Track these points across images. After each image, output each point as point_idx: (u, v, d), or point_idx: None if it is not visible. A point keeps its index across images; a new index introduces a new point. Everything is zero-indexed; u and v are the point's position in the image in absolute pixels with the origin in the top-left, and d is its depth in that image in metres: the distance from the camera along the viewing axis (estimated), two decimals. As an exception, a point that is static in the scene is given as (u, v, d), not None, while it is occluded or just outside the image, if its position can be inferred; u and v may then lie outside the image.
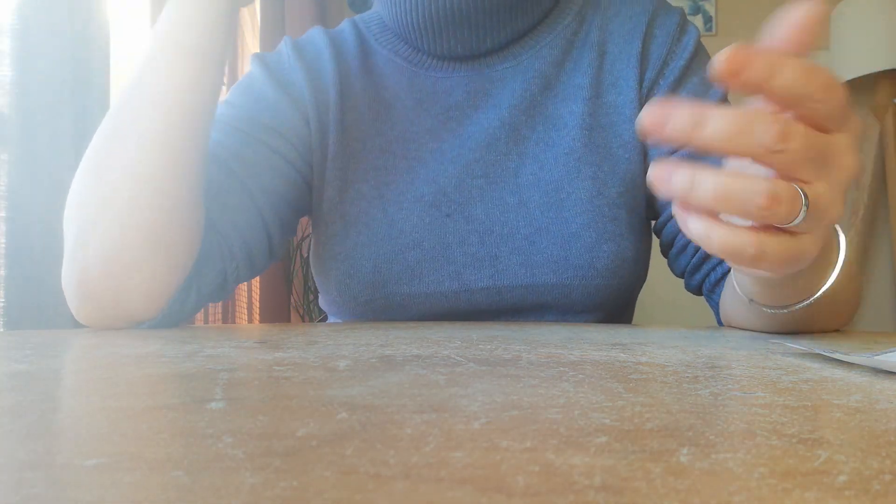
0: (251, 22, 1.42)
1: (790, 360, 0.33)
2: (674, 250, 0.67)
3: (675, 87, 0.66)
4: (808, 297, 0.41)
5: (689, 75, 0.67)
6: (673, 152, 0.65)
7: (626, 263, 0.63)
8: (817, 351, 0.33)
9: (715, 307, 0.66)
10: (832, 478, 0.14)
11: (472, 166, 0.66)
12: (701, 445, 0.17)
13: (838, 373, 0.29)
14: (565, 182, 0.64)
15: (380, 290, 0.64)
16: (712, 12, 2.56)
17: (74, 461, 0.16)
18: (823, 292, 0.40)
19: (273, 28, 1.44)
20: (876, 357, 0.29)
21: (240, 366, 0.32)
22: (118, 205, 0.51)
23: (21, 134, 0.76)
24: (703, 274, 0.65)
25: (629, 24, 0.68)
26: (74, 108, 0.81)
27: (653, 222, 0.70)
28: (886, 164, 2.22)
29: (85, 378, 0.28)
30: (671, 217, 0.66)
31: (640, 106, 0.66)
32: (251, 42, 1.41)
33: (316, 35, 0.73)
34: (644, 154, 0.67)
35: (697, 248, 0.64)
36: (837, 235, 0.41)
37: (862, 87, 2.27)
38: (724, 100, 0.67)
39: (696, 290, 0.68)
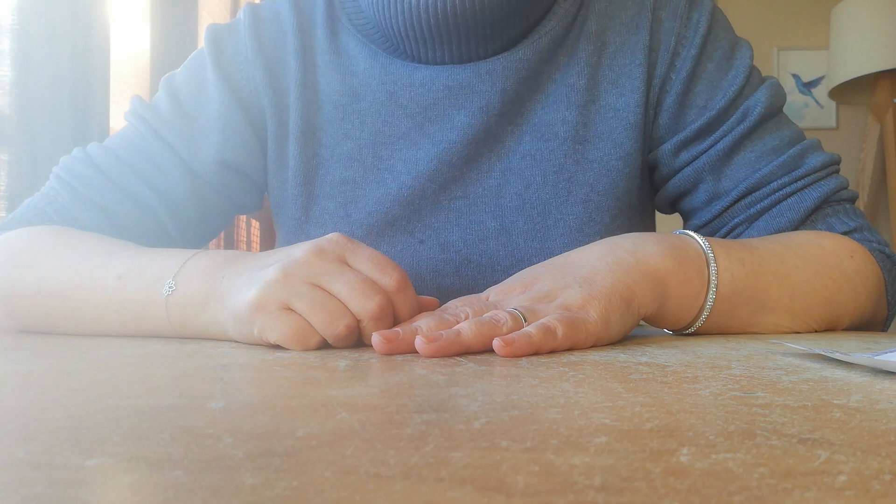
0: None
1: (790, 360, 0.33)
2: (693, 214, 0.61)
3: (690, 82, 0.58)
4: (693, 324, 0.46)
5: (704, 62, 0.58)
6: (689, 163, 0.59)
7: None
8: (817, 351, 0.33)
9: None
10: (832, 478, 0.14)
11: (451, 185, 0.59)
12: (701, 445, 0.17)
13: (838, 373, 0.29)
14: (553, 206, 0.58)
15: None
16: (712, 12, 2.55)
17: (74, 461, 0.16)
18: (706, 317, 0.45)
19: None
20: (876, 357, 0.29)
21: (240, 366, 0.32)
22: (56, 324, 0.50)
23: (21, 134, 0.76)
24: (727, 228, 0.59)
25: (632, 8, 0.59)
26: (74, 108, 0.81)
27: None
28: (886, 164, 2.22)
29: (85, 378, 0.28)
30: (699, 229, 0.60)
31: (650, 109, 0.59)
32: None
33: (281, 6, 0.63)
34: (644, 157, 0.60)
35: (723, 210, 0.58)
36: (708, 266, 0.45)
37: (862, 87, 2.27)
38: (743, 85, 0.58)
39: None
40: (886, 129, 2.20)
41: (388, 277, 0.39)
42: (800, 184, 0.56)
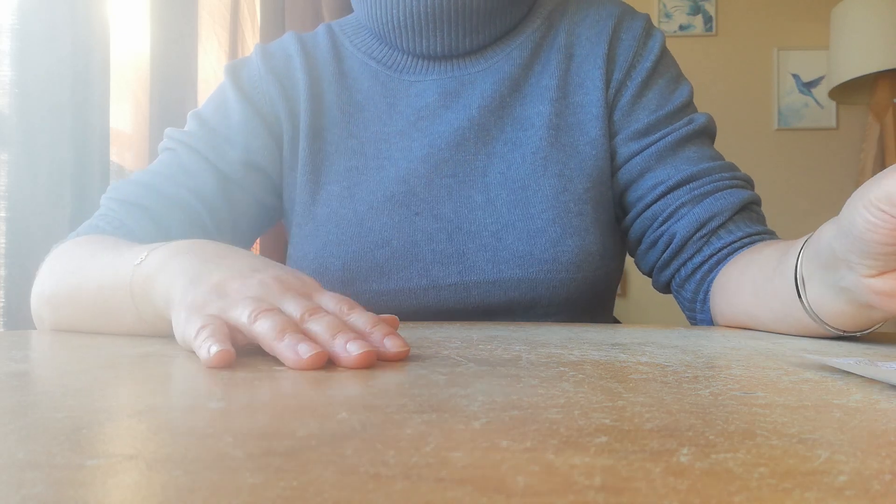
0: (251, 20, 1.42)
1: (790, 360, 0.33)
2: (642, 247, 0.69)
3: (643, 89, 0.68)
4: (879, 324, 0.44)
5: (656, 77, 0.69)
6: (638, 153, 0.67)
7: (590, 258, 0.64)
8: (825, 361, 0.33)
9: (684, 303, 0.67)
10: (832, 478, 0.14)
11: (442, 166, 0.67)
12: (701, 445, 0.17)
13: (838, 373, 0.29)
14: (531, 180, 0.65)
15: (349, 288, 0.65)
16: (712, 12, 2.55)
17: (74, 461, 0.16)
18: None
19: (273, 27, 1.44)
20: (883, 368, 0.29)
21: (240, 366, 0.32)
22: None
23: (21, 134, 0.76)
24: (672, 270, 0.66)
25: (596, 27, 0.70)
26: (74, 108, 0.81)
27: (624, 220, 0.71)
28: (886, 164, 2.22)
29: (85, 378, 0.28)
30: (640, 213, 0.67)
31: (607, 105, 0.68)
32: (250, 40, 1.41)
33: (288, 41, 0.74)
34: (611, 152, 0.68)
35: (668, 244, 0.65)
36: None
37: (862, 87, 2.27)
38: (688, 103, 0.69)
39: (664, 287, 0.69)
40: (886, 129, 2.20)
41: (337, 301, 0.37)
42: (737, 182, 0.65)
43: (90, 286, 0.49)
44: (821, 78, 2.50)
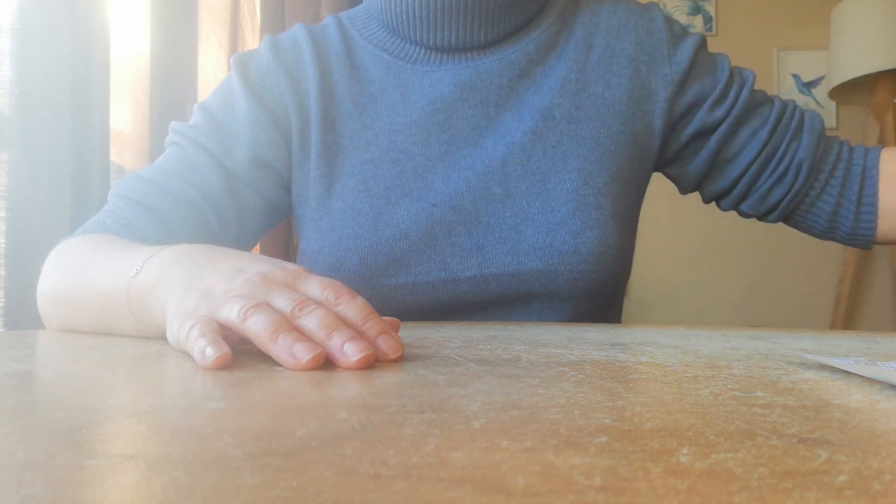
0: (251, 20, 1.42)
1: (790, 360, 0.33)
2: (759, 190, 0.72)
3: (700, 67, 0.70)
4: None
5: (703, 52, 0.71)
6: (728, 114, 0.69)
7: (609, 250, 0.65)
8: (825, 361, 0.33)
9: (819, 221, 0.72)
10: (832, 478, 0.14)
11: (460, 162, 0.67)
12: (701, 445, 0.17)
13: (838, 373, 0.29)
14: (552, 174, 0.66)
15: (367, 283, 0.65)
16: (712, 12, 2.55)
17: (74, 461, 0.16)
18: None
19: (273, 27, 1.44)
20: (883, 369, 0.29)
21: (240, 366, 0.32)
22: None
23: (21, 134, 0.76)
24: (802, 194, 0.70)
25: (615, 19, 0.71)
26: (74, 108, 0.81)
27: (722, 181, 0.73)
28: (886, 164, 2.21)
29: (85, 378, 0.28)
30: (754, 160, 0.70)
31: (633, 101, 0.69)
32: (251, 40, 1.41)
33: (298, 33, 0.72)
34: (663, 140, 0.70)
35: (797, 175, 0.70)
36: None
37: (862, 87, 2.27)
38: (731, 76, 0.71)
39: (788, 216, 0.73)
40: (886, 129, 2.20)
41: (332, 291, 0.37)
42: (800, 108, 0.72)
43: (87, 293, 0.49)
44: (821, 78, 2.50)
